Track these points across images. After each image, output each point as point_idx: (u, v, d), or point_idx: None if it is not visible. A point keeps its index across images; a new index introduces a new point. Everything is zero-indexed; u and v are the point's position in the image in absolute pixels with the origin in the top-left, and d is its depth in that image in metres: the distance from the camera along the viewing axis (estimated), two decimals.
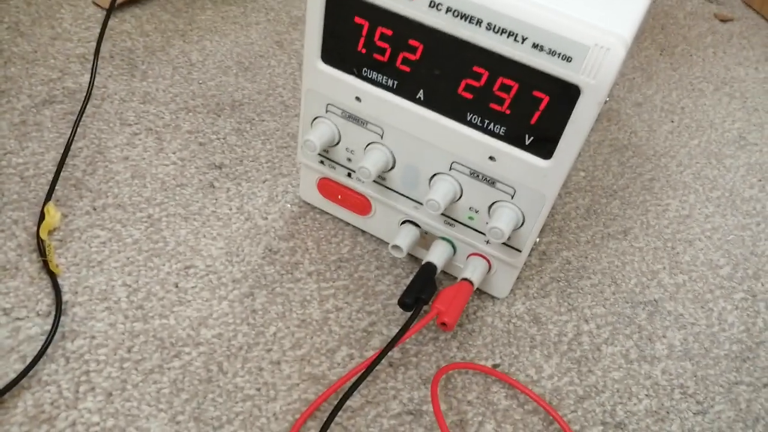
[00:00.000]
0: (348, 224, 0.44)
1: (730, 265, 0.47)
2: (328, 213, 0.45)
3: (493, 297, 0.42)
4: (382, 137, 0.37)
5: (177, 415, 0.33)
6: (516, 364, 0.38)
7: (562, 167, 0.33)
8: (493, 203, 0.36)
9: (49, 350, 0.35)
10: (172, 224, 0.42)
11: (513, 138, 0.33)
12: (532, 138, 0.33)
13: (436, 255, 0.39)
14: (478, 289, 0.42)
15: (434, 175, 0.37)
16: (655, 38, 0.72)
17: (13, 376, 0.33)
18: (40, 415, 0.32)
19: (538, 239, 0.43)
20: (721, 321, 0.43)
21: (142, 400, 0.33)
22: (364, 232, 0.44)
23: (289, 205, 0.45)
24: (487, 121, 0.33)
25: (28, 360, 0.34)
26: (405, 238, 0.40)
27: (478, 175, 0.35)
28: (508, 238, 0.36)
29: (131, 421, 0.33)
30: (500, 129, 0.33)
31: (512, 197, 0.35)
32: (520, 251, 0.37)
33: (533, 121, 0.32)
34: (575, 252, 0.46)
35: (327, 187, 0.42)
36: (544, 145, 0.33)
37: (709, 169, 0.55)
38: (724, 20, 0.77)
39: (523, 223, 0.36)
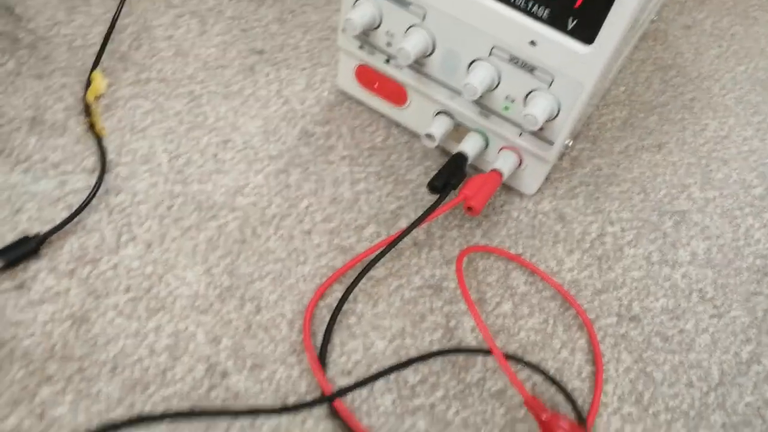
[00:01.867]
0: (383, 115, 0.45)
1: (763, 186, 0.47)
2: (364, 103, 0.45)
3: (521, 194, 0.42)
4: (423, 19, 0.37)
5: (212, 267, 0.35)
6: (538, 255, 0.39)
7: (603, 54, 0.33)
8: (530, 92, 0.36)
9: (94, 202, 0.36)
10: (212, 101, 0.43)
11: (556, 21, 0.33)
12: (575, 21, 0.33)
13: (469, 145, 0.40)
14: (506, 185, 0.42)
15: (473, 61, 0.37)
16: None
17: (60, 221, 0.35)
18: (84, 256, 0.34)
19: (570, 142, 0.43)
20: (747, 237, 0.43)
21: (179, 252, 0.35)
22: (398, 124, 0.45)
23: (326, 93, 0.45)
24: (531, 3, 0.33)
25: (74, 209, 0.36)
26: (439, 127, 0.40)
27: (517, 61, 0.35)
28: (541, 129, 0.37)
29: (168, 269, 0.35)
30: (544, 11, 0.33)
31: (549, 86, 0.35)
32: (552, 143, 0.38)
33: (578, 4, 0.32)
34: (607, 160, 0.46)
35: (365, 75, 0.43)
36: (587, 30, 0.32)
37: (753, 95, 0.54)
38: None
39: (557, 114, 0.36)
